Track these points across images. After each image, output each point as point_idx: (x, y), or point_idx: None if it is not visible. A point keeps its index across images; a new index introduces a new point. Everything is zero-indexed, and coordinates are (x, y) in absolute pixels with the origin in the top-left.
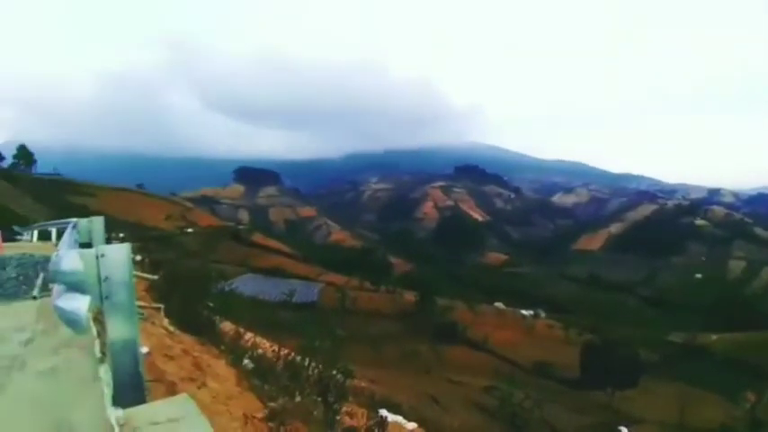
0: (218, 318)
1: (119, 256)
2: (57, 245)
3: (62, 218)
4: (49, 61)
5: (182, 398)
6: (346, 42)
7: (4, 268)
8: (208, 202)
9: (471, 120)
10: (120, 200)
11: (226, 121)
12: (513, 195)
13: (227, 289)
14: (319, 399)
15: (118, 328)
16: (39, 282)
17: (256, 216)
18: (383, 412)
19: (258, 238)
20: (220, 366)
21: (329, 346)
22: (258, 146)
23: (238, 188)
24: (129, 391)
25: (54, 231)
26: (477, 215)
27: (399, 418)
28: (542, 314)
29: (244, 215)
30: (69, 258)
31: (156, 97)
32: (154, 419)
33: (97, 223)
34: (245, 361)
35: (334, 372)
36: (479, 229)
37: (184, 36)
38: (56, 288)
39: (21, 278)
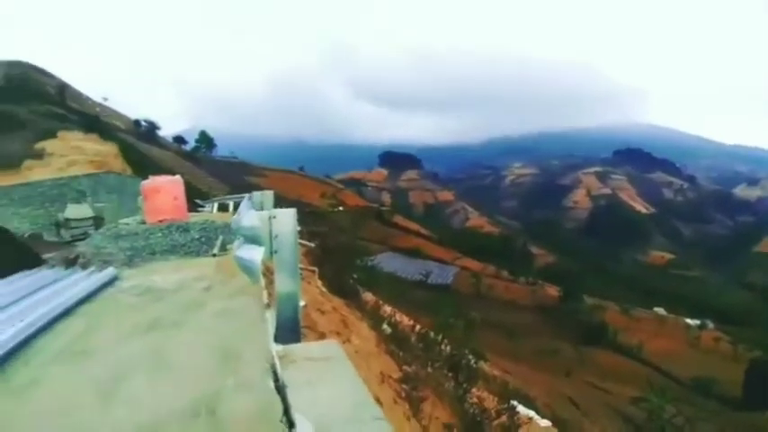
0: (361, 288)
1: (287, 218)
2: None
3: (237, 194)
4: (228, 62)
5: (332, 342)
6: (492, 28)
7: (189, 231)
8: (356, 184)
9: (634, 99)
10: (284, 180)
11: (374, 110)
12: (686, 185)
13: (369, 264)
14: (450, 374)
15: (283, 280)
16: (218, 243)
17: (398, 198)
18: (515, 403)
19: (399, 219)
20: (363, 328)
21: (462, 327)
22: (402, 132)
23: (382, 172)
24: (288, 333)
25: (231, 204)
26: (640, 206)
27: (532, 413)
28: (710, 325)
29: (386, 197)
30: (249, 217)
31: (315, 91)
32: (308, 356)
33: (268, 196)
34: (384, 326)
35: (466, 352)
36: (641, 223)
37: (338, 36)
38: (236, 242)
39: (203, 239)
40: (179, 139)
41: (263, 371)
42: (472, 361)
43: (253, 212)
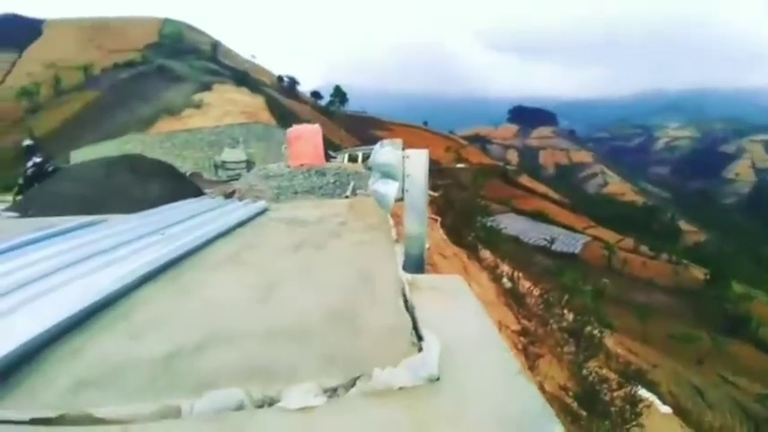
0: (479, 246)
1: (420, 158)
2: (366, 164)
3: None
4: (359, 20)
5: (457, 276)
6: None
7: (325, 175)
8: (480, 141)
9: None
10: (409, 135)
11: (505, 61)
12: None
13: (489, 224)
14: (571, 339)
15: (411, 219)
16: (350, 187)
17: (526, 157)
18: (637, 387)
19: (525, 180)
20: (483, 278)
21: (590, 294)
22: (537, 85)
23: (511, 128)
24: (414, 269)
25: (360, 155)
26: None
27: (653, 398)
28: None
29: (513, 156)
30: (385, 153)
31: (442, 43)
32: (433, 286)
33: (397, 144)
34: (504, 279)
35: (591, 319)
36: None
37: None
38: (372, 177)
39: (337, 183)
40: (315, 95)
41: (394, 292)
42: (596, 330)
43: (390, 149)
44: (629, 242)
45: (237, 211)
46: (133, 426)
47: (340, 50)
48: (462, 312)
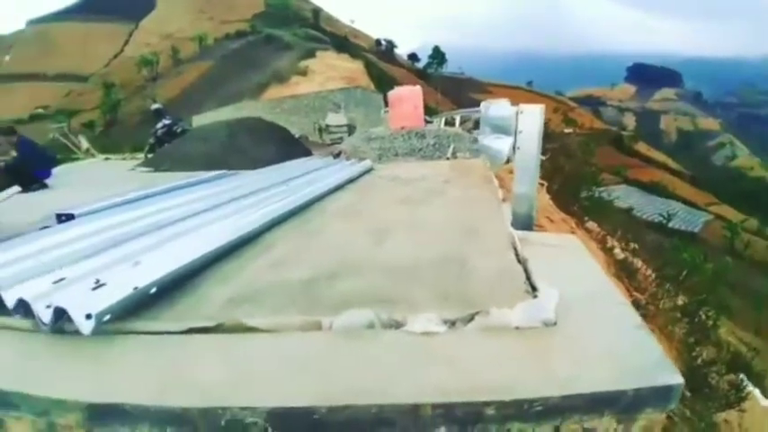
0: (587, 218)
1: (534, 114)
2: (466, 127)
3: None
4: None
5: (570, 235)
6: None
7: (425, 137)
8: (592, 103)
9: None
10: (510, 96)
11: (621, 13)
12: None
13: (598, 195)
14: (684, 319)
15: (521, 178)
16: (450, 149)
17: (644, 122)
18: (743, 377)
19: (642, 147)
20: (592, 246)
21: (710, 273)
22: (657, 41)
23: (628, 89)
24: (522, 228)
25: (457, 119)
26: None
27: (756, 390)
28: None
29: (630, 120)
30: (498, 106)
31: None
32: (545, 242)
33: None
34: (616, 250)
35: (706, 299)
36: None
37: None
38: (481, 132)
39: (436, 146)
40: (413, 57)
41: (503, 244)
42: (711, 313)
43: (504, 102)
44: (752, 223)
45: (347, 168)
46: (280, 335)
47: (438, 8)
48: (578, 268)
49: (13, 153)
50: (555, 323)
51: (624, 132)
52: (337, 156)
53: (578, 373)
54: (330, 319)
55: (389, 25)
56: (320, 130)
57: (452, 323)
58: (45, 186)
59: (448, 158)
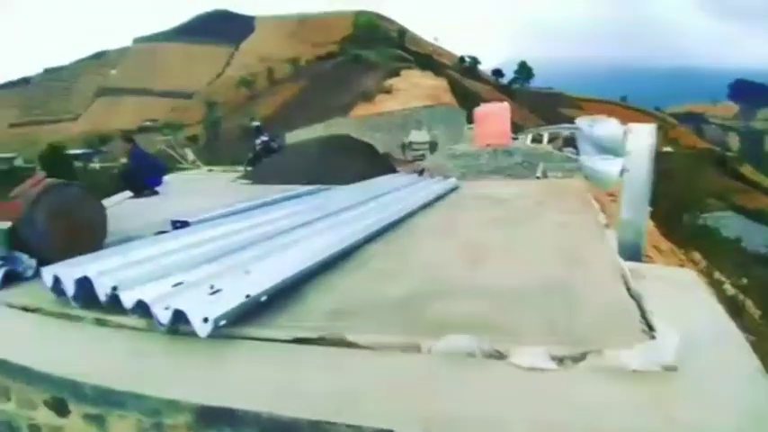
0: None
1: (645, 134)
2: (556, 146)
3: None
4: None
5: (688, 270)
6: None
7: (512, 155)
8: (693, 120)
9: None
10: (603, 112)
11: (724, 25)
12: None
13: (701, 221)
14: None
15: (630, 203)
16: (540, 168)
17: (749, 143)
18: None
19: (748, 170)
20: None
21: None
22: (759, 56)
23: (731, 106)
24: (629, 257)
25: (545, 135)
26: None
27: None
28: None
29: (734, 139)
30: (605, 124)
31: (643, 4)
32: (661, 276)
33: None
34: (726, 285)
35: None
36: None
37: None
38: (584, 149)
39: (524, 165)
40: (497, 73)
41: (612, 276)
42: None
43: (613, 121)
44: None
45: (433, 186)
46: (381, 353)
47: (523, 22)
48: (696, 306)
49: (124, 160)
50: (675, 368)
51: (728, 153)
52: (421, 173)
53: (702, 421)
54: (430, 342)
55: (473, 41)
56: (403, 146)
57: (560, 360)
58: (156, 193)
59: (538, 178)
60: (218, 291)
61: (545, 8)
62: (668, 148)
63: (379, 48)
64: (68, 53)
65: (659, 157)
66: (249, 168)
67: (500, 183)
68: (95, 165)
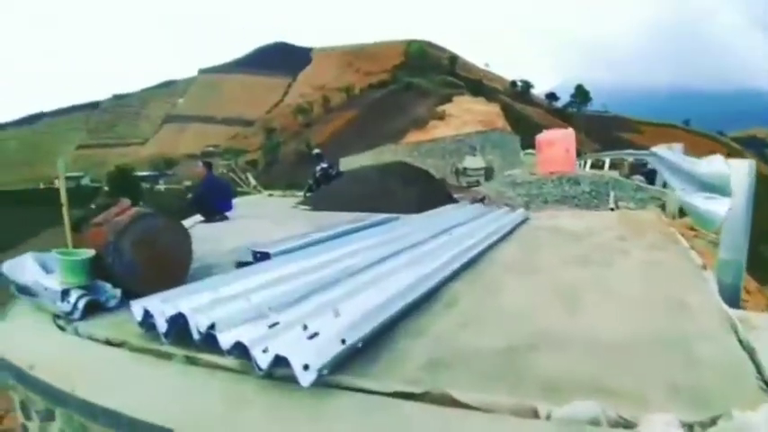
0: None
1: (744, 171)
2: (622, 173)
3: (610, 151)
4: (598, 9)
5: None
6: None
7: (579, 184)
8: (757, 146)
9: None
10: (663, 136)
11: None
12: None
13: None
14: None
15: (729, 243)
16: (611, 198)
17: None
18: None
19: None
20: None
21: None
22: None
23: None
24: (728, 301)
25: (607, 161)
26: None
27: None
28: None
29: None
30: (713, 162)
31: (705, 26)
32: (765, 325)
33: (677, 147)
34: None
35: None
36: None
37: None
38: (680, 187)
39: (593, 194)
40: (551, 96)
41: (722, 326)
42: None
43: (719, 157)
44: None
45: (502, 218)
46: (494, 417)
47: (580, 44)
48: None
49: (188, 183)
50: None
51: None
52: (481, 200)
53: None
54: (548, 406)
55: (526, 66)
56: (457, 172)
57: (690, 427)
58: (225, 218)
59: (612, 209)
60: (315, 335)
61: (603, 31)
62: None
63: (431, 75)
64: (136, 81)
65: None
66: (309, 194)
67: (570, 214)
68: (161, 186)
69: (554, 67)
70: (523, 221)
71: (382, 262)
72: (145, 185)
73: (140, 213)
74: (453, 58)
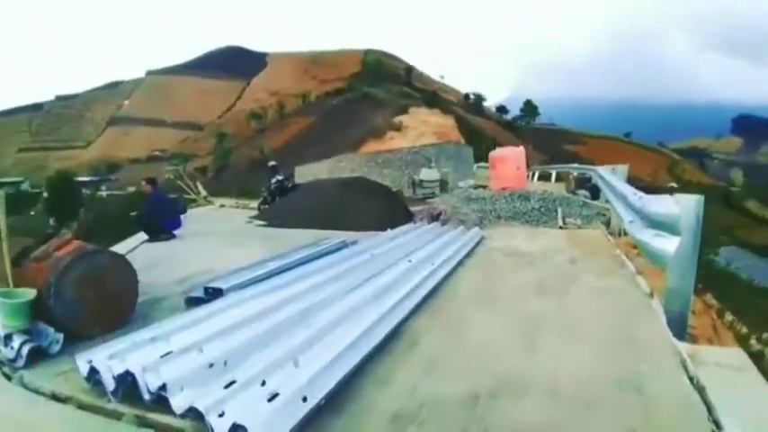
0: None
1: (692, 205)
2: (568, 187)
3: (558, 164)
4: (549, 21)
5: (738, 350)
6: None
7: (529, 200)
8: (697, 155)
9: None
10: (607, 148)
11: (722, 61)
12: None
13: (708, 258)
14: None
15: (676, 272)
16: (559, 215)
17: (754, 177)
18: None
19: (753, 205)
20: (728, 338)
21: None
22: (764, 90)
23: (734, 141)
24: (676, 331)
25: (554, 174)
26: None
27: None
28: None
29: (738, 174)
30: (661, 202)
31: (645, 41)
32: (717, 361)
33: (621, 171)
34: (752, 341)
35: None
36: None
37: None
38: (632, 223)
39: (542, 210)
40: (501, 109)
41: (672, 362)
42: None
43: (667, 198)
44: None
45: (459, 239)
46: None
47: (527, 59)
48: (755, 397)
49: (132, 188)
50: None
51: (733, 188)
52: (438, 216)
53: None
54: None
55: (478, 79)
56: (413, 184)
57: None
58: (173, 236)
59: (561, 227)
60: (274, 396)
61: (551, 47)
62: (673, 184)
63: (387, 85)
64: (81, 82)
65: (665, 193)
66: (264, 207)
67: (523, 232)
68: (103, 192)
69: (504, 80)
70: (480, 242)
71: (344, 297)
72: (86, 191)
73: (82, 251)
74: (409, 70)
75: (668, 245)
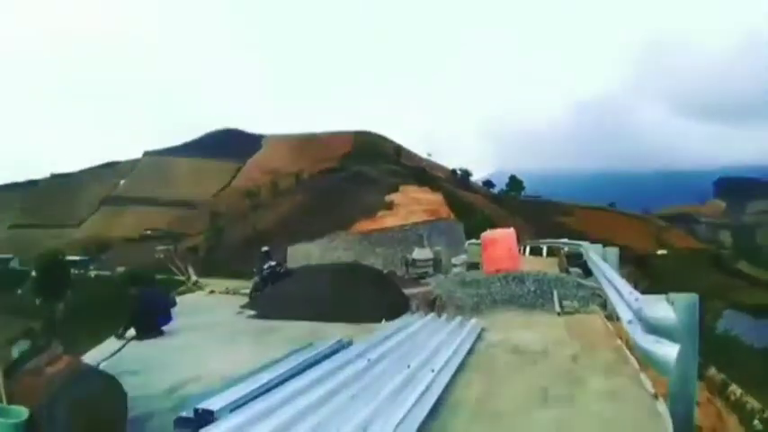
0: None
1: (690, 306)
2: (561, 264)
3: (546, 236)
4: (528, 97)
5: None
6: None
7: (524, 282)
8: (684, 221)
9: None
10: (594, 218)
11: (699, 127)
12: None
13: (707, 325)
14: None
15: (679, 376)
16: (555, 300)
17: (741, 238)
18: None
19: (743, 266)
20: (732, 424)
21: None
22: (742, 151)
23: (718, 204)
24: None
25: (544, 249)
26: None
27: None
28: None
29: (726, 237)
30: (659, 305)
31: (622, 112)
32: None
33: (612, 254)
34: (755, 422)
35: None
36: None
37: (647, 46)
38: (634, 327)
39: (537, 292)
40: (488, 183)
41: None
42: None
43: (662, 301)
44: None
45: (458, 335)
46: None
47: (509, 133)
48: None
49: (121, 269)
50: None
51: (722, 250)
52: (433, 302)
53: None
54: None
55: (463, 154)
56: (406, 263)
57: None
58: (161, 333)
59: (558, 313)
60: None
61: (532, 122)
62: (662, 251)
63: (378, 164)
64: (79, 161)
65: (654, 261)
66: (256, 293)
67: (521, 321)
68: (90, 273)
69: (488, 156)
70: (479, 337)
71: (341, 425)
72: (75, 271)
73: (76, 373)
74: (398, 149)
75: (670, 351)
